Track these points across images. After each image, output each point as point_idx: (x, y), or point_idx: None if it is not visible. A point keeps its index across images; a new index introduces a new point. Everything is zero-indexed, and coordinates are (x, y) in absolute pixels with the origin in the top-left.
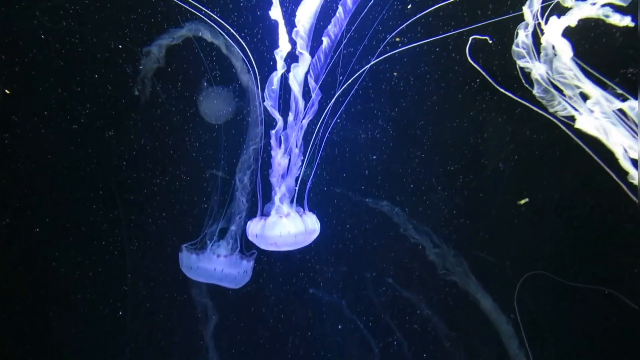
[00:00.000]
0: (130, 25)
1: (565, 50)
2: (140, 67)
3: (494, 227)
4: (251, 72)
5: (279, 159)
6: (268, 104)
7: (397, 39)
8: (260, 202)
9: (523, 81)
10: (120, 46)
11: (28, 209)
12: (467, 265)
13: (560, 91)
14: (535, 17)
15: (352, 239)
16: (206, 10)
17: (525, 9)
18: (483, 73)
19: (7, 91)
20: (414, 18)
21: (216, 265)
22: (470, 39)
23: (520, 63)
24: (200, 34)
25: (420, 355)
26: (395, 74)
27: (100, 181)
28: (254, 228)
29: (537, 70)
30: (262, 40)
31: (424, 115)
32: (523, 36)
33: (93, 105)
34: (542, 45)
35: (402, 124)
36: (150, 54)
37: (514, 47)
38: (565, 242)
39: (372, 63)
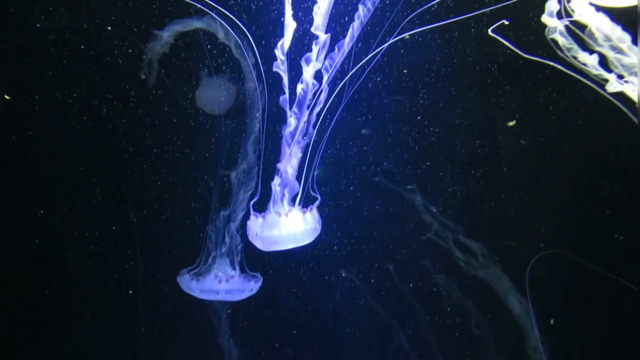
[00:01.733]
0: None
1: (625, 38)
2: (147, 49)
3: (516, 217)
4: (254, 73)
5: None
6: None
7: (407, 37)
8: (257, 197)
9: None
10: (109, 28)
11: (34, 202)
12: (497, 263)
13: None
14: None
15: (374, 229)
16: (224, 11)
17: (545, 18)
18: (511, 47)
19: (7, 97)
20: (421, 10)
21: (219, 289)
22: (500, 22)
23: (582, 58)
24: (214, 32)
25: (443, 344)
26: (405, 71)
27: (103, 168)
28: (254, 227)
29: (588, 60)
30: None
31: (438, 104)
32: (561, 39)
33: (97, 97)
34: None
35: (417, 114)
36: (159, 37)
37: (566, 53)
38: (587, 228)
39: (385, 45)
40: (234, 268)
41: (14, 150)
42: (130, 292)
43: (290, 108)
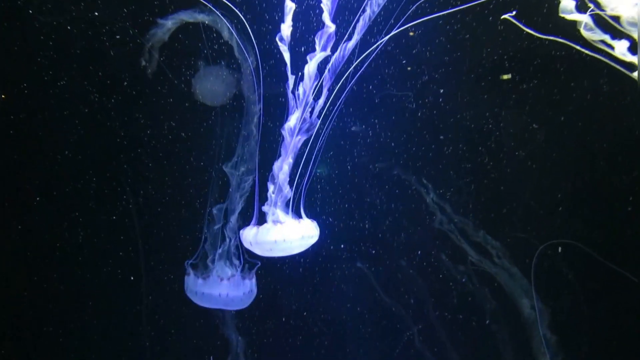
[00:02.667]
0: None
1: None
2: (149, 36)
3: (528, 209)
4: (254, 76)
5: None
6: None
7: (411, 33)
8: (256, 206)
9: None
10: (96, 13)
11: (29, 192)
12: (512, 263)
13: None
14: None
15: (384, 223)
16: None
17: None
18: (526, 29)
19: (2, 96)
20: None
21: (221, 290)
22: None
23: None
24: (219, 29)
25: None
26: (408, 68)
27: (100, 157)
28: (248, 236)
29: (618, 46)
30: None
31: (448, 93)
32: (589, 35)
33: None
34: None
35: (426, 105)
36: (162, 25)
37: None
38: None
39: (386, 38)
40: (232, 269)
41: (8, 141)
42: (132, 278)
43: (293, 94)
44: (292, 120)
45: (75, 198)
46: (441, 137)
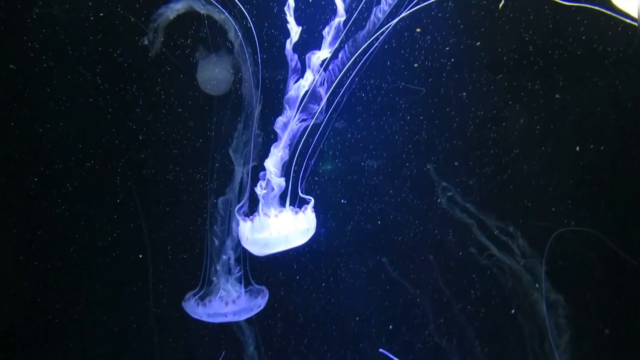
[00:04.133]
0: None
1: None
2: (155, 16)
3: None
4: (252, 79)
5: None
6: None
7: (418, 30)
8: (247, 197)
9: None
10: None
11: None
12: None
13: None
14: None
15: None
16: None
17: None
18: None
19: None
20: None
21: (227, 312)
22: None
23: None
24: (227, 28)
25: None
26: (415, 65)
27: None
28: (244, 230)
29: None
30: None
31: (459, 85)
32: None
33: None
34: None
35: (436, 98)
36: (171, 8)
37: None
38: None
39: (391, 24)
40: (238, 287)
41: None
42: (140, 256)
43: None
44: (285, 118)
45: (72, 184)
46: (455, 127)
